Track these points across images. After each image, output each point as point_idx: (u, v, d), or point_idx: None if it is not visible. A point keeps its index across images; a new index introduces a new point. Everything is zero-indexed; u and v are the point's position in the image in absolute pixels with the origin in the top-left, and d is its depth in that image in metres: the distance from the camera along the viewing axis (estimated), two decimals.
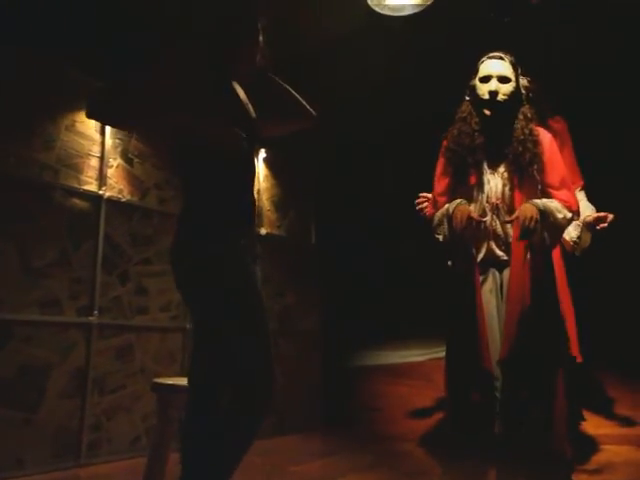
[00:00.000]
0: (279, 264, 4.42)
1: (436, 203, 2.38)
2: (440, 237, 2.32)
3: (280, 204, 4.63)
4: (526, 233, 2.06)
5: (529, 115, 2.28)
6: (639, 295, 3.77)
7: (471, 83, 2.35)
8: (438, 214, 2.33)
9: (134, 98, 1.61)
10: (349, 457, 3.29)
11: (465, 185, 2.30)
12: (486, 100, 2.25)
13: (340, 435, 3.99)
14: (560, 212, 2.15)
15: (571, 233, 2.63)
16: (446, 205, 2.30)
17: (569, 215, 2.17)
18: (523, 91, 2.32)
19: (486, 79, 2.26)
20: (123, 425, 3.29)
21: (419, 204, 2.67)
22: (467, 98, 2.37)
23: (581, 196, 2.76)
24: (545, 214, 2.13)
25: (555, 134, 2.62)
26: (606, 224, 2.57)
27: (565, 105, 2.96)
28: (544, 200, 2.17)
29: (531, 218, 2.05)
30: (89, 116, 1.67)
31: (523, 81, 2.42)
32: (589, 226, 2.63)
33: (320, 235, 4.92)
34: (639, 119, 3.60)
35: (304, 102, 1.95)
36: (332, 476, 2.82)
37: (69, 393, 3.05)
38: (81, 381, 3.11)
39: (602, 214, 2.60)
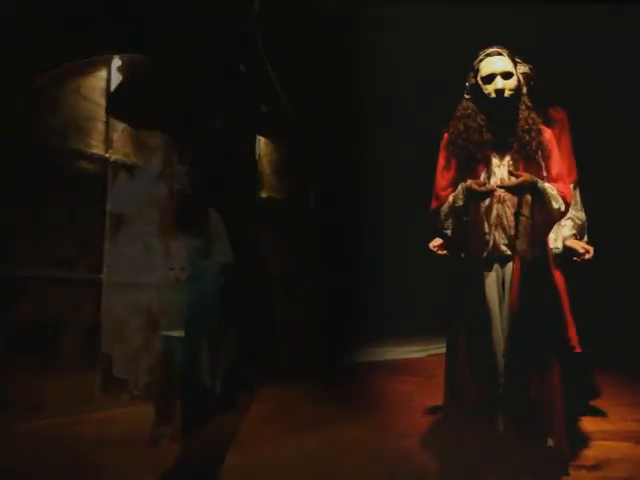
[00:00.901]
0: (277, 228, 4.54)
1: (439, 197, 2.32)
2: (448, 232, 2.29)
3: (280, 168, 4.71)
4: (521, 187, 2.12)
5: (529, 104, 2.27)
6: (639, 292, 3.84)
7: (471, 83, 2.31)
8: (444, 208, 2.28)
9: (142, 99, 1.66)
10: (350, 403, 3.43)
11: (472, 178, 2.26)
12: (493, 99, 2.22)
13: (340, 382, 4.13)
14: (557, 202, 2.18)
15: (555, 242, 2.64)
16: (450, 198, 2.26)
17: (563, 207, 2.20)
18: (522, 80, 2.30)
19: (490, 78, 2.21)
20: (134, 374, 3.52)
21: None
22: (467, 97, 2.32)
23: (574, 195, 2.70)
24: (543, 197, 2.16)
25: (554, 123, 2.63)
26: (580, 259, 2.58)
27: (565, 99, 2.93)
28: (546, 185, 2.20)
29: (530, 180, 2.13)
30: (108, 113, 1.75)
31: (525, 68, 2.43)
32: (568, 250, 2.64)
33: (319, 201, 4.98)
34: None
35: (287, 107, 1.89)
36: (333, 421, 2.97)
37: (82, 345, 3.26)
38: (93, 334, 3.31)
39: (583, 249, 2.60)
